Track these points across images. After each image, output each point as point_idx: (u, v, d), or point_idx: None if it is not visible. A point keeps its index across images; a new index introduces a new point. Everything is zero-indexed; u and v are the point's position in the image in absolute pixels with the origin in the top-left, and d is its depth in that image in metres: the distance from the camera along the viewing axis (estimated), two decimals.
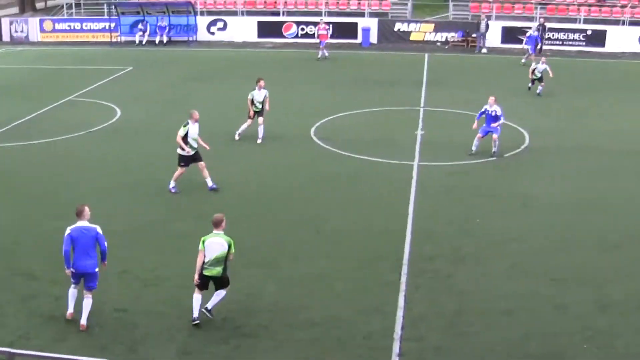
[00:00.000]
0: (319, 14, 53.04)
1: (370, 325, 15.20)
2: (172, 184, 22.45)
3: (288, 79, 37.92)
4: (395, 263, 17.89)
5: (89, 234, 14.81)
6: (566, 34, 51.15)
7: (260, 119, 27.41)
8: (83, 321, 14.85)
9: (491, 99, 25.97)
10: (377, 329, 15.05)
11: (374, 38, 52.57)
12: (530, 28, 46.70)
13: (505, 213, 21.33)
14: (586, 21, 52.07)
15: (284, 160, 25.77)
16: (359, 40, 52.33)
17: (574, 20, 52.34)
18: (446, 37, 52.45)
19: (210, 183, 22.67)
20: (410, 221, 20.49)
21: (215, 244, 14.76)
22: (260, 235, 19.51)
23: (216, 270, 14.81)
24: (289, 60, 46.07)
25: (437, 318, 15.48)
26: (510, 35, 51.49)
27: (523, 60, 43.91)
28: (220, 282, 15.05)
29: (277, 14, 54.88)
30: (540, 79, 35.36)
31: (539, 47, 45.58)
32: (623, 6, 52.40)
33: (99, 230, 14.97)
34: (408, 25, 53.18)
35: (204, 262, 14.80)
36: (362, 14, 54.05)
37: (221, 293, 15.08)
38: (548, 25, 49.15)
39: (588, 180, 24.08)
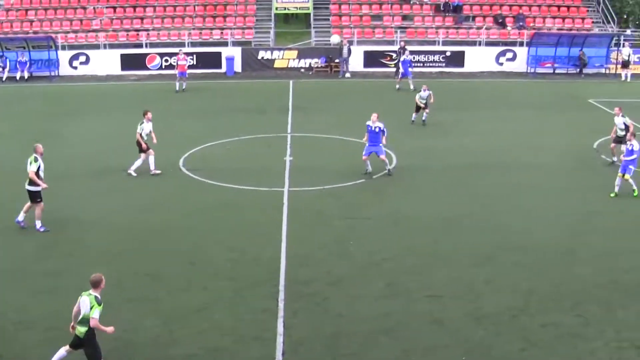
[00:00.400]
0: (182, 44, 52.81)
1: (250, 353, 15.18)
2: (38, 224, 21.80)
3: (154, 110, 37.34)
4: (271, 289, 17.93)
5: None
6: (427, 56, 52.75)
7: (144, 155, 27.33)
8: None
9: (374, 116, 26.63)
10: (257, 357, 15.04)
11: (238, 67, 52.67)
12: (403, 53, 47.22)
13: (377, 233, 21.67)
14: (445, 43, 53.88)
15: (154, 193, 25.43)
16: (224, 69, 52.32)
17: (433, 43, 53.89)
18: (310, 64, 53.14)
19: (22, 217, 22.10)
20: (284, 247, 20.59)
21: (83, 303, 13.88)
22: (135, 269, 19.19)
23: (79, 331, 13.92)
24: (154, 92, 45.46)
25: (316, 342, 15.58)
26: (372, 59, 52.64)
27: (411, 87, 44.36)
28: (84, 346, 14.02)
29: (140, 46, 54.35)
30: (425, 106, 35.28)
31: (402, 70, 46.28)
32: (479, 28, 54.32)
33: None
34: (271, 53, 53.62)
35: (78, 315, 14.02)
36: (225, 44, 54.06)
37: None
38: (409, 48, 50.23)
39: (455, 197, 24.73)
